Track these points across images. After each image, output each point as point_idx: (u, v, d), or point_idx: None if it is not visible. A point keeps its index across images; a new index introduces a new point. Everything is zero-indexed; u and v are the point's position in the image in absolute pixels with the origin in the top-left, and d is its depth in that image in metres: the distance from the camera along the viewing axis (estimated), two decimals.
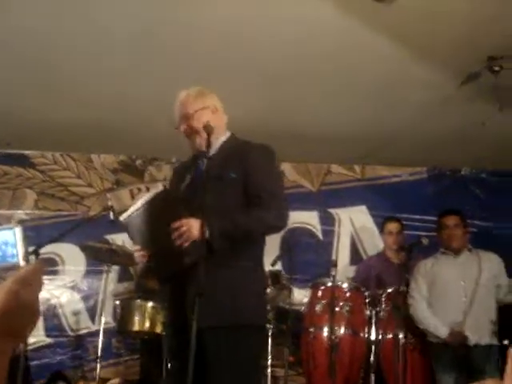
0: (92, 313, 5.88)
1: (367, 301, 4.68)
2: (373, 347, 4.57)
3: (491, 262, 4.50)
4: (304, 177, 6.39)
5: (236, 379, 2.60)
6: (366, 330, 4.59)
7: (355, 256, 6.14)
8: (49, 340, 5.74)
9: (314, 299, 4.70)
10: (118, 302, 5.02)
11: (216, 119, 2.87)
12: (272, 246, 4.42)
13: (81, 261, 5.88)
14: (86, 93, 4.76)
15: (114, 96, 4.83)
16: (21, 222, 5.88)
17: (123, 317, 4.83)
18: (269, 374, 4.79)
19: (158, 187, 2.89)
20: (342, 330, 4.50)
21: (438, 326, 4.35)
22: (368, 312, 4.64)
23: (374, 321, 4.62)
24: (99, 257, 5.21)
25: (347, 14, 3.62)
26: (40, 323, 5.59)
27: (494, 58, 4.03)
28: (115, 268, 5.67)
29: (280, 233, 4.64)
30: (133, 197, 6.17)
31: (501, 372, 0.92)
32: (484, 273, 4.40)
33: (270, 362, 4.78)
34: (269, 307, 4.52)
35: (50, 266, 5.78)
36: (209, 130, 2.74)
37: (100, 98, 4.87)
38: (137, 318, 4.76)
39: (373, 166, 6.41)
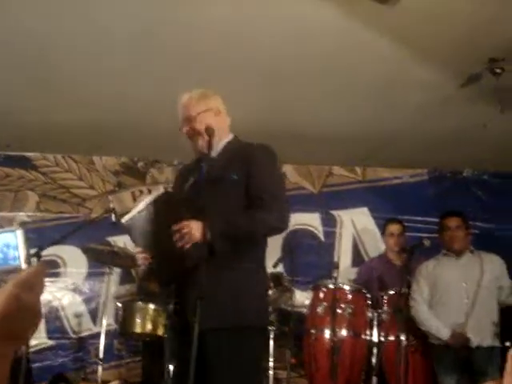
0: (94, 315, 5.88)
1: (369, 303, 4.68)
2: (374, 349, 4.57)
3: (493, 264, 4.50)
4: (305, 178, 6.40)
5: (237, 381, 2.60)
6: (368, 332, 4.59)
7: (357, 258, 6.13)
8: (51, 342, 5.74)
9: (315, 301, 4.70)
10: (119, 304, 5.02)
11: (219, 121, 2.87)
12: (274, 247, 4.42)
13: (83, 263, 5.88)
14: (87, 93, 4.77)
15: (114, 97, 4.83)
16: (23, 224, 5.88)
17: (125, 319, 4.83)
18: (271, 376, 4.78)
19: (160, 189, 2.89)
20: (344, 332, 4.50)
21: (439, 327, 4.35)
22: (370, 314, 4.64)
23: (375, 323, 4.62)
24: (101, 259, 5.20)
25: (348, 15, 3.62)
26: (42, 325, 5.59)
27: (495, 59, 4.03)
28: (117, 270, 5.67)
29: (282, 234, 4.62)
30: (134, 199, 6.17)
31: (502, 373, 0.91)
32: (486, 274, 4.40)
33: (272, 363, 4.77)
34: (271, 309, 4.52)
35: (52, 268, 5.78)
36: (210, 132, 2.75)
37: (100, 99, 4.87)
38: (138, 321, 4.76)
39: (374, 168, 6.41)
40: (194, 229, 2.57)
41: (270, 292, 4.68)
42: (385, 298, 4.69)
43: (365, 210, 6.28)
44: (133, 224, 2.80)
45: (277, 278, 4.91)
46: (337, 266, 4.75)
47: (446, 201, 5.98)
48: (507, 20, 3.63)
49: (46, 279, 0.89)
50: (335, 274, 4.61)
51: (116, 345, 5.63)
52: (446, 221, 4.63)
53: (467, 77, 4.30)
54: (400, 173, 6.43)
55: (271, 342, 4.77)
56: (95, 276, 5.88)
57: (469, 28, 3.73)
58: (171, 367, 2.78)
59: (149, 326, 4.75)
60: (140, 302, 4.87)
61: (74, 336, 5.82)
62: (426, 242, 4.42)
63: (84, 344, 5.78)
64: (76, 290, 5.93)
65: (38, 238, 5.65)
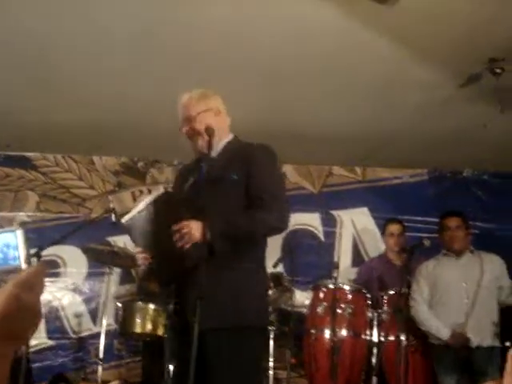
0: (94, 315, 5.88)
1: (369, 303, 4.68)
2: (374, 349, 4.57)
3: (493, 264, 4.50)
4: (305, 178, 6.40)
5: (237, 381, 2.60)
6: (368, 332, 4.59)
7: (357, 258, 6.14)
8: (51, 342, 5.74)
9: (315, 301, 4.70)
10: (119, 304, 5.02)
11: (219, 121, 2.88)
12: (274, 247, 4.43)
13: (83, 263, 5.88)
14: (87, 93, 4.77)
15: (114, 97, 4.83)
16: (23, 224, 5.88)
17: (125, 319, 4.83)
18: (271, 376, 4.78)
19: (160, 189, 2.89)
20: (344, 332, 4.50)
21: (439, 327, 4.35)
22: (370, 314, 4.64)
23: (375, 323, 4.62)
24: (101, 259, 5.20)
25: (348, 15, 3.62)
26: (42, 325, 5.59)
27: (495, 59, 4.03)
28: (117, 270, 5.67)
29: (282, 234, 4.62)
30: (134, 199, 6.17)
31: (502, 373, 0.91)
32: (486, 274, 4.40)
33: (272, 363, 4.77)
34: (271, 309, 4.52)
35: (52, 268, 5.78)
36: (210, 132, 2.75)
37: (100, 99, 4.87)
38: (139, 321, 4.76)
39: (374, 168, 6.41)
40: (194, 229, 2.57)
41: (270, 292, 4.68)
42: (385, 298, 4.70)
43: (365, 209, 6.28)
44: (133, 224, 2.80)
45: (277, 278, 4.91)
46: (337, 266, 4.75)
47: (446, 201, 5.98)
48: (507, 20, 3.63)
49: (46, 279, 0.89)
50: (335, 274, 4.61)
51: (116, 345, 5.63)
52: (446, 221, 4.63)
53: (467, 77, 4.30)
54: (400, 173, 6.43)
55: (271, 342, 4.77)
56: (95, 276, 5.89)
57: (468, 28, 3.73)
58: (171, 367, 2.78)
59: (149, 326, 4.75)
60: (140, 302, 4.87)
61: (74, 336, 5.82)
62: (426, 242, 4.42)
63: (84, 344, 5.78)
64: (76, 289, 5.93)
65: (38, 237, 5.65)
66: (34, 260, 4.06)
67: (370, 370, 4.53)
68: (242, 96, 4.43)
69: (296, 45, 4.01)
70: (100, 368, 4.78)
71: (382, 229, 5.47)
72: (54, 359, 5.71)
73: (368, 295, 4.70)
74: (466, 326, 4.27)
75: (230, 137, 2.94)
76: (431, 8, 3.50)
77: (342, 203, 6.30)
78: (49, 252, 4.92)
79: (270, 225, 2.73)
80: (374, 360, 4.55)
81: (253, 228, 2.70)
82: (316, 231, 6.25)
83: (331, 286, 4.60)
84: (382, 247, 5.54)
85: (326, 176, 6.42)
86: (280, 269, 5.13)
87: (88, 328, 5.84)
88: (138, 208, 2.77)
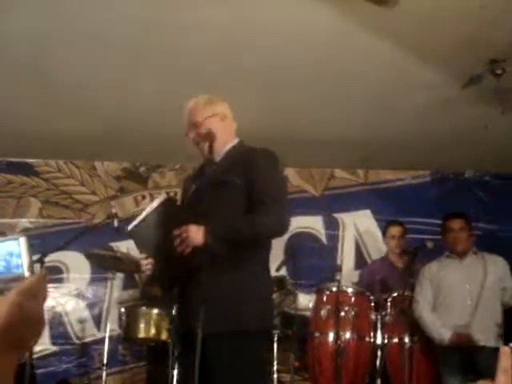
0: (97, 320, 5.87)
1: (372, 305, 4.67)
2: (378, 352, 4.56)
3: (496, 265, 4.49)
4: (307, 182, 6.39)
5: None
6: (372, 334, 4.58)
7: (360, 260, 6.13)
8: (54, 348, 5.74)
9: (319, 304, 4.70)
10: (123, 310, 5.02)
11: (225, 127, 2.88)
12: (276, 251, 4.40)
13: (86, 268, 5.88)
14: (87, 100, 4.78)
15: (115, 103, 4.84)
16: (25, 230, 5.88)
17: (129, 324, 4.83)
18: (275, 380, 4.77)
19: (162, 196, 2.90)
20: (348, 335, 4.49)
21: (441, 329, 4.34)
22: (373, 316, 4.63)
23: (379, 325, 4.61)
24: (104, 264, 5.20)
25: (348, 18, 3.63)
26: (46, 331, 5.59)
27: (496, 61, 4.04)
28: (120, 275, 5.67)
29: (284, 238, 4.63)
30: (137, 204, 6.18)
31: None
32: (489, 276, 4.39)
33: (275, 367, 4.76)
34: (274, 312, 4.52)
35: (55, 274, 5.79)
36: (211, 137, 2.76)
37: (101, 105, 4.88)
38: (142, 326, 4.76)
39: (376, 170, 6.41)
40: (194, 232, 2.57)
41: (274, 295, 4.67)
42: (388, 300, 4.69)
43: (367, 212, 6.28)
44: (137, 231, 2.81)
45: (280, 281, 4.90)
46: (340, 269, 4.74)
47: (449, 202, 5.98)
48: (508, 21, 3.63)
49: (50, 285, 0.89)
50: (338, 277, 4.60)
51: (120, 350, 5.63)
52: (449, 222, 4.63)
53: (468, 78, 4.31)
54: (402, 175, 6.42)
55: (275, 346, 4.77)
56: (98, 281, 5.89)
57: (469, 29, 3.73)
58: (175, 372, 2.78)
59: (153, 331, 4.75)
60: (144, 307, 4.87)
61: (77, 342, 5.81)
62: (429, 244, 4.42)
63: (88, 349, 5.78)
64: (79, 295, 5.93)
65: (41, 244, 5.63)
66: (37, 266, 4.06)
67: (374, 373, 4.52)
68: (243, 100, 4.43)
69: (298, 49, 4.02)
70: (104, 373, 4.78)
71: (383, 231, 5.47)
72: (57, 365, 5.70)
73: (371, 297, 4.69)
74: (469, 328, 4.26)
75: (234, 141, 2.95)
76: (431, 10, 3.51)
77: (344, 206, 6.30)
78: (52, 258, 4.91)
79: (270, 228, 2.72)
80: (378, 362, 4.55)
81: (253, 232, 2.69)
82: (318, 234, 6.25)
83: (334, 289, 4.59)
84: (385, 249, 5.53)
85: (328, 179, 6.42)
86: (283, 272, 5.13)
87: (92, 333, 5.84)
88: (142, 216, 2.78)
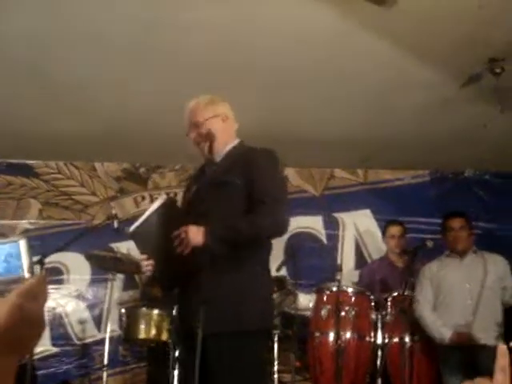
0: (98, 321, 5.87)
1: (372, 305, 4.67)
2: (379, 351, 4.56)
3: (497, 264, 4.49)
4: (307, 181, 6.39)
5: None
6: (372, 334, 4.58)
7: (360, 260, 6.13)
8: (55, 349, 5.73)
9: (319, 304, 4.70)
10: (123, 310, 5.02)
11: (226, 127, 2.89)
12: (276, 251, 4.40)
13: (86, 269, 5.88)
14: (87, 101, 4.78)
15: (115, 102, 4.84)
16: (25, 231, 5.88)
17: (129, 325, 4.83)
18: (275, 380, 4.77)
19: (163, 197, 2.90)
20: (348, 335, 4.49)
21: (442, 329, 4.34)
22: (374, 316, 4.63)
23: (379, 325, 4.61)
24: (104, 265, 5.20)
25: (347, 18, 3.63)
26: (46, 332, 5.58)
27: (495, 59, 4.04)
28: (120, 276, 5.67)
29: (284, 238, 4.64)
30: (137, 205, 6.18)
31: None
32: (490, 275, 4.39)
33: (276, 367, 4.76)
34: (275, 312, 4.51)
35: (55, 276, 5.78)
36: (211, 137, 2.76)
37: (101, 105, 4.88)
38: (143, 326, 4.75)
39: (375, 170, 6.41)
40: (193, 233, 2.57)
41: (274, 295, 4.66)
42: (388, 300, 4.69)
43: (367, 212, 6.28)
44: (138, 233, 2.81)
45: (280, 281, 4.90)
46: (340, 269, 4.74)
47: (448, 201, 5.98)
48: (506, 20, 3.63)
49: (50, 286, 0.89)
50: (338, 277, 4.60)
51: (121, 351, 5.63)
52: (449, 221, 4.63)
53: (467, 77, 4.31)
54: (402, 174, 6.43)
55: (275, 346, 4.77)
56: (98, 282, 5.89)
57: (468, 28, 3.74)
58: (176, 372, 2.79)
59: (153, 332, 4.74)
60: (144, 308, 4.86)
61: (78, 343, 5.81)
62: (429, 244, 4.42)
63: (88, 350, 5.78)
64: (79, 296, 5.93)
65: (41, 245, 5.63)
66: (38, 267, 4.06)
67: (375, 373, 4.52)
68: (243, 100, 4.43)
69: (298, 49, 4.02)
70: (105, 374, 4.78)
71: (383, 231, 5.47)
72: (58, 366, 5.70)
73: (371, 297, 4.70)
74: (470, 327, 4.26)
75: (235, 142, 2.95)
76: (430, 9, 3.51)
77: (344, 206, 6.30)
78: (52, 259, 4.91)
79: (270, 228, 2.73)
80: (378, 362, 4.54)
81: (253, 232, 2.69)
82: (318, 234, 6.25)
83: (334, 289, 4.59)
84: (385, 249, 5.53)
85: (328, 179, 6.42)
86: (283, 272, 5.13)
87: (92, 334, 5.84)
88: (143, 218, 2.78)
